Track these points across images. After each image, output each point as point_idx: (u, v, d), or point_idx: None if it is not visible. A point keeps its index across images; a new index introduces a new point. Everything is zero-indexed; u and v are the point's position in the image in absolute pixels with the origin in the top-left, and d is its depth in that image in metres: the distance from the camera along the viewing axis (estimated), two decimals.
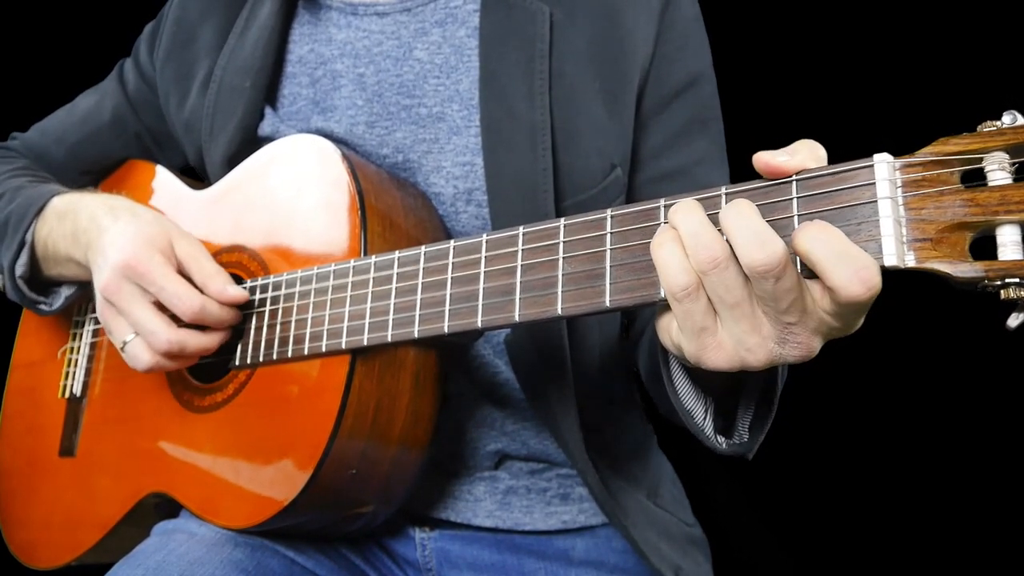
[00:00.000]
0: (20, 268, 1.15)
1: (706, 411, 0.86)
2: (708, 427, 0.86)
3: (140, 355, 0.99)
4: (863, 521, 1.89)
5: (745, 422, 0.86)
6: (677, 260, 0.68)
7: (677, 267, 0.68)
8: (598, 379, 1.10)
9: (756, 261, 0.64)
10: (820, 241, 0.63)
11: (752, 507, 1.98)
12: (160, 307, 0.99)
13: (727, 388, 0.86)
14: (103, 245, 1.02)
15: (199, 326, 1.00)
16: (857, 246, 0.63)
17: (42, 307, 1.19)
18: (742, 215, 0.66)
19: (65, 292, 1.19)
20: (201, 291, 0.99)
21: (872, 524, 1.89)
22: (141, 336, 0.99)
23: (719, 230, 0.67)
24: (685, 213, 0.69)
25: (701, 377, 0.85)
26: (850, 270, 0.62)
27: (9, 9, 2.01)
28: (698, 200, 0.72)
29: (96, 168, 1.35)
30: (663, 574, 1.05)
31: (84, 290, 1.19)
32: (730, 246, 0.66)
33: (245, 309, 1.03)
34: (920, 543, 1.83)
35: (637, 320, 1.11)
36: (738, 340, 0.68)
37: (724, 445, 0.86)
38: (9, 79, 1.99)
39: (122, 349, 1.01)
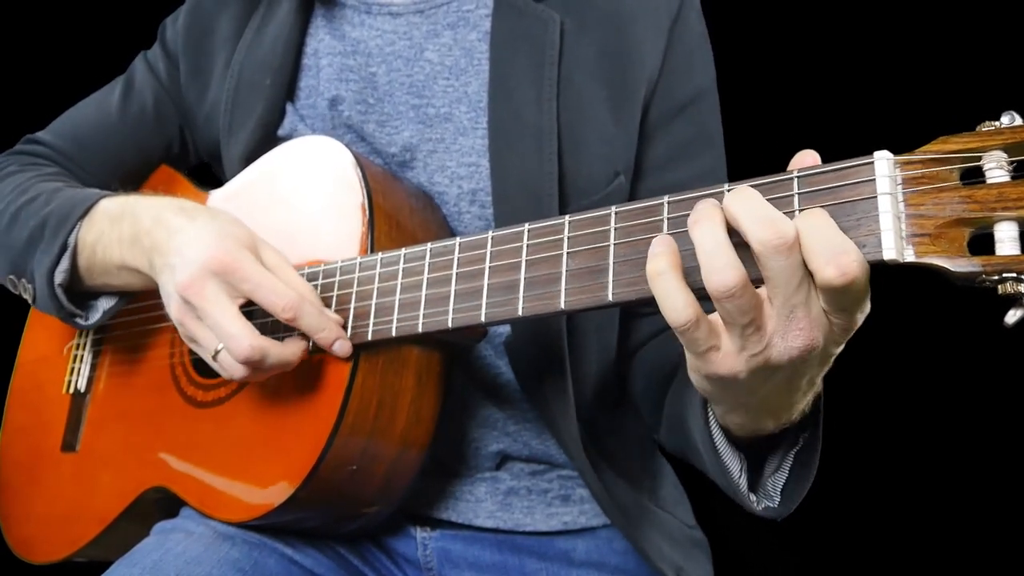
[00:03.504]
0: (60, 275, 1.04)
1: (740, 471, 0.84)
2: (743, 484, 0.84)
3: (234, 364, 0.90)
4: (867, 527, 1.88)
5: (777, 483, 0.83)
6: (677, 295, 0.67)
7: (679, 301, 0.67)
8: (595, 382, 1.11)
9: (767, 236, 0.64)
10: (807, 224, 0.64)
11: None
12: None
13: (761, 450, 0.84)
14: (179, 245, 0.93)
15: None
16: (844, 235, 0.64)
17: (78, 320, 1.10)
18: (749, 198, 0.66)
19: (104, 306, 1.10)
20: None
21: (875, 527, 1.88)
22: (221, 342, 0.90)
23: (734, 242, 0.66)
24: (703, 227, 0.67)
25: (737, 439, 0.83)
26: (828, 254, 0.63)
27: (14, 5, 2.01)
28: (698, 196, 0.73)
29: (135, 173, 1.28)
30: (664, 573, 1.05)
31: (125, 302, 1.11)
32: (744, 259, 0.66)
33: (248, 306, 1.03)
34: (921, 543, 1.82)
35: (632, 335, 1.13)
36: (742, 347, 0.69)
37: (758, 505, 0.84)
38: (14, 76, 1.98)
39: (214, 359, 0.92)
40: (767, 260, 0.65)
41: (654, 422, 1.07)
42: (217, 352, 0.91)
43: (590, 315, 1.08)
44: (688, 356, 0.72)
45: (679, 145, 1.10)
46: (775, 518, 0.84)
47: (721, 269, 0.65)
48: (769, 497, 0.84)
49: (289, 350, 0.93)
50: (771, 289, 0.67)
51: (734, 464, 0.84)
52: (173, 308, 0.94)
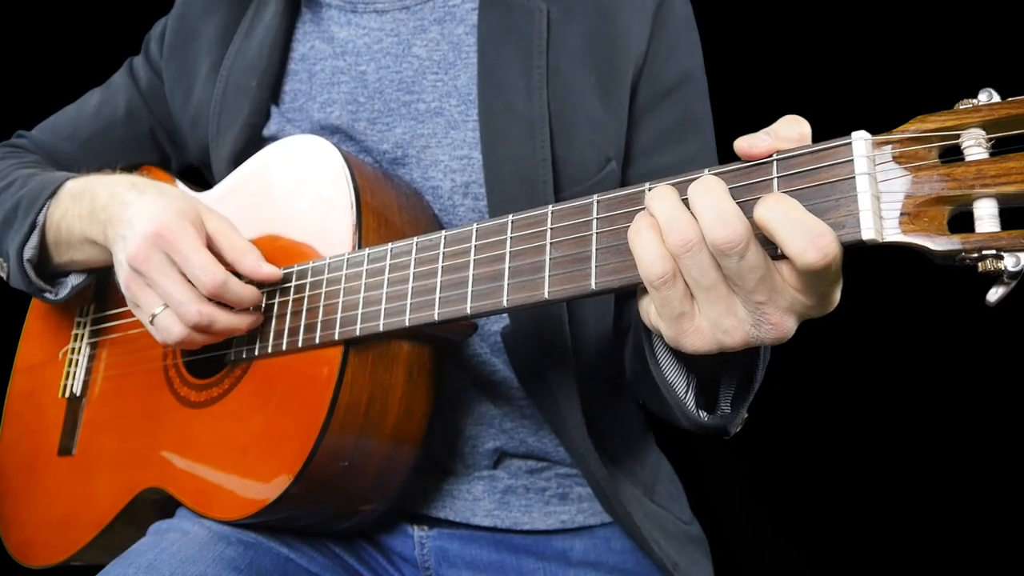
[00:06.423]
0: (29, 251, 1.12)
1: (688, 386, 0.87)
2: (690, 401, 0.87)
3: (171, 327, 0.96)
4: (865, 520, 1.87)
5: (727, 397, 0.87)
6: (653, 248, 0.69)
7: (654, 255, 0.69)
8: (594, 371, 1.11)
9: (719, 238, 0.65)
10: (775, 210, 0.65)
11: (753, 505, 1.96)
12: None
13: (710, 369, 0.87)
14: (128, 217, 0.99)
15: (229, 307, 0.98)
16: (814, 216, 0.65)
17: (47, 295, 1.17)
18: (707, 192, 0.68)
19: (72, 281, 1.17)
20: (233, 268, 0.98)
21: (874, 522, 1.87)
22: (171, 307, 0.96)
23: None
24: (660, 198, 0.70)
25: (685, 357, 0.86)
26: (806, 238, 0.63)
27: (11, 8, 2.03)
28: (680, 183, 0.73)
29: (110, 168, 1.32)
30: (663, 565, 1.05)
31: (92, 278, 1.18)
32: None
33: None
34: (919, 535, 1.82)
35: (624, 316, 1.12)
36: (715, 323, 0.70)
37: (706, 418, 0.87)
38: (12, 78, 2.00)
39: (151, 322, 0.98)
40: (721, 260, 0.66)
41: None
42: (155, 316, 0.97)
43: (588, 302, 1.08)
44: (663, 326, 0.73)
45: (667, 129, 1.10)
46: (723, 425, 0.87)
47: (680, 227, 0.67)
48: (721, 411, 0.87)
49: (237, 319, 0.98)
50: (732, 287, 0.68)
51: (680, 380, 0.87)
52: (122, 276, 1.00)
